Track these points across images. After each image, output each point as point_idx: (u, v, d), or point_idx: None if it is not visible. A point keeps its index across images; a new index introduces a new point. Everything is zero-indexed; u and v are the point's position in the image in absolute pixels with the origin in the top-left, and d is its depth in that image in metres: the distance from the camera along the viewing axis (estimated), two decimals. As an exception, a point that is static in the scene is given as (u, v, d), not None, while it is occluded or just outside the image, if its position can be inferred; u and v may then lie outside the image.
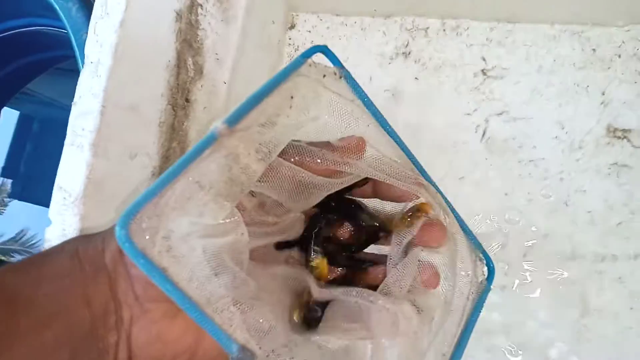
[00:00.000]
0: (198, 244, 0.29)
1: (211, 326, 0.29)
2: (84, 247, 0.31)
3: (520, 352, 1.00)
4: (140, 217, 0.28)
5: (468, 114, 1.08)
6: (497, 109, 1.06)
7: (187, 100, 0.87)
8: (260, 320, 0.31)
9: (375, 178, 0.39)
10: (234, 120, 0.31)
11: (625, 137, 0.99)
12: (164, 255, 0.29)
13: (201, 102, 0.90)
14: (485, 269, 0.45)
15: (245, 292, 0.31)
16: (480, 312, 0.44)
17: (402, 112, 1.12)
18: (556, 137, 1.02)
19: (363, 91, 0.39)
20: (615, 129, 1.00)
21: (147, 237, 0.28)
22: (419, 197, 0.42)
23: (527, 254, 1.02)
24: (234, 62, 0.97)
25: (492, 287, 0.45)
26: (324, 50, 0.36)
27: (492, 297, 1.03)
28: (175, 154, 0.85)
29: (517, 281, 1.02)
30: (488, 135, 1.06)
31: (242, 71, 1.00)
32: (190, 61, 0.86)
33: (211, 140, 0.30)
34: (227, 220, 0.31)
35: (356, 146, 0.38)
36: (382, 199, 0.44)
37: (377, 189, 0.43)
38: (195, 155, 0.29)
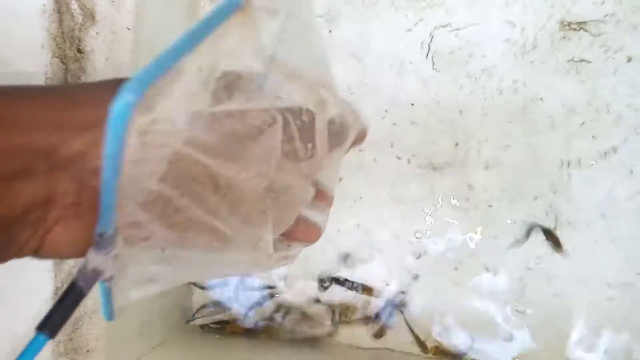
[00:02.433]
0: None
1: None
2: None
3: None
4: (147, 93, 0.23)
5: (409, 30, 0.98)
6: (440, 19, 0.95)
7: (79, 50, 0.77)
8: None
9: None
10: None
11: (581, 28, 0.88)
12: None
13: (100, 53, 0.80)
14: None
15: None
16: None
17: (339, 38, 1.01)
18: (507, 39, 0.92)
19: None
20: (570, 22, 0.89)
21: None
22: None
23: (489, 168, 0.94)
24: (137, 5, 0.86)
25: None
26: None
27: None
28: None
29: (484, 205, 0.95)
30: (433, 49, 0.96)
31: (149, 15, 0.90)
32: (74, 5, 0.76)
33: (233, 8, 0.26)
34: None
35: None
36: None
37: None
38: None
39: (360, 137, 0.39)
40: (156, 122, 0.24)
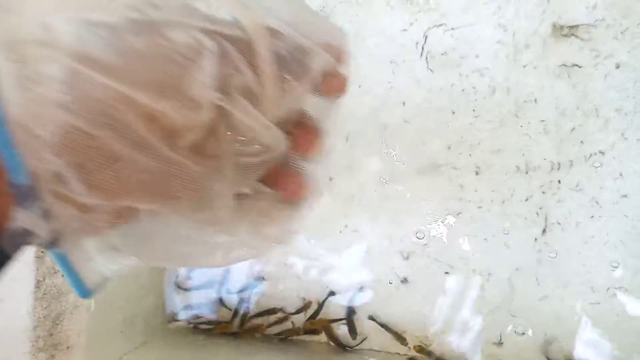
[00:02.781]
0: None
1: None
2: None
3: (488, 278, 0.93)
4: None
5: (404, 30, 0.98)
6: (434, 20, 0.96)
7: None
8: None
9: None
10: None
11: (572, 33, 0.90)
12: None
13: None
14: None
15: None
16: None
17: (333, 37, 1.01)
18: (499, 41, 0.93)
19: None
20: (562, 27, 0.91)
21: None
22: None
23: (480, 172, 0.94)
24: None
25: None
26: None
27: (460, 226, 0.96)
28: None
29: (472, 206, 0.95)
30: (427, 50, 0.97)
31: None
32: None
33: None
34: None
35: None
36: None
37: None
38: None
39: (336, 66, 0.30)
40: (28, 29, 0.20)
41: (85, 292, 0.28)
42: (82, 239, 0.26)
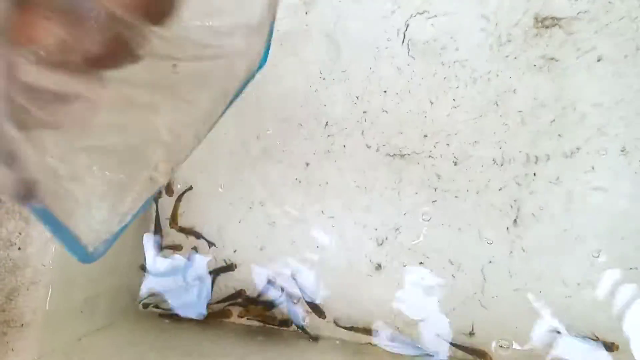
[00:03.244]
0: None
1: None
2: None
3: (458, 268, 0.92)
4: None
5: (386, 17, 0.96)
6: (417, 7, 0.95)
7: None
8: None
9: None
10: None
11: (556, 24, 0.89)
12: None
13: None
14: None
15: None
16: (242, 91, 0.33)
17: (316, 21, 0.99)
18: (482, 29, 0.92)
19: None
20: (544, 18, 0.90)
21: None
22: None
23: (458, 163, 0.93)
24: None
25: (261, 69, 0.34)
26: None
27: (426, 208, 0.95)
28: None
29: (449, 194, 0.94)
30: (409, 37, 0.95)
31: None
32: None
33: None
34: None
35: None
36: None
37: None
38: None
39: None
40: None
41: (81, 252, 0.24)
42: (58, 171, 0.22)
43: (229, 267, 1.01)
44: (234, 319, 1.00)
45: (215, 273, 1.02)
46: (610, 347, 0.84)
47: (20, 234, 0.72)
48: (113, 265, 0.95)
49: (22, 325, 0.74)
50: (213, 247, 1.03)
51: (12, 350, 0.73)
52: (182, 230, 1.04)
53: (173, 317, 1.01)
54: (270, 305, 0.99)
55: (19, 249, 0.72)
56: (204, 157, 1.04)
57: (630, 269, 0.85)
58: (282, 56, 1.01)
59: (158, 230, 1.05)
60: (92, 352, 0.83)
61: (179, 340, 0.92)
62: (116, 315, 0.96)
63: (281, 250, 1.00)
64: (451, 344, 0.90)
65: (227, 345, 0.93)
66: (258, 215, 1.02)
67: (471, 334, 0.90)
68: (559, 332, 0.87)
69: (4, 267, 0.71)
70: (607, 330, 0.86)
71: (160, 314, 1.02)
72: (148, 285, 1.05)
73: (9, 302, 0.72)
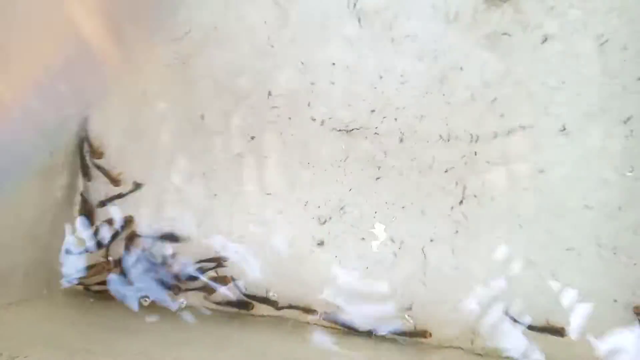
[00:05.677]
0: None
1: None
2: None
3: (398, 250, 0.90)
4: None
5: (337, -15, 0.93)
6: (368, -24, 0.92)
7: None
8: None
9: None
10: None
11: (506, 0, 0.88)
12: None
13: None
14: None
15: None
16: None
17: (263, -15, 0.94)
18: (432, 6, 0.90)
19: None
20: (494, -4, 0.89)
21: None
22: None
23: (404, 139, 0.91)
24: None
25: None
26: None
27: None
28: None
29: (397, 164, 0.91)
30: (359, 7, 0.92)
31: None
32: None
33: None
34: None
35: None
36: None
37: None
38: None
39: None
40: None
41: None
42: None
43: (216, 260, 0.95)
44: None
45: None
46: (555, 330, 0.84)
47: None
48: (33, 237, 0.87)
49: None
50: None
51: None
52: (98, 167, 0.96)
53: (98, 294, 0.95)
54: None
55: None
56: (142, 125, 0.98)
57: (567, 249, 0.86)
58: (228, 19, 0.96)
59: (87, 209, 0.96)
60: (3, 325, 0.76)
61: (99, 317, 0.86)
62: (34, 291, 0.88)
63: (218, 227, 0.96)
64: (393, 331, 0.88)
65: (160, 324, 0.88)
66: (197, 188, 0.97)
67: (409, 308, 0.89)
68: (505, 314, 0.86)
69: None
70: (548, 312, 0.86)
71: (86, 291, 0.95)
72: (70, 262, 0.97)
73: None
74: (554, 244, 0.86)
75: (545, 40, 0.87)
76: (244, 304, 0.93)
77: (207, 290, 0.94)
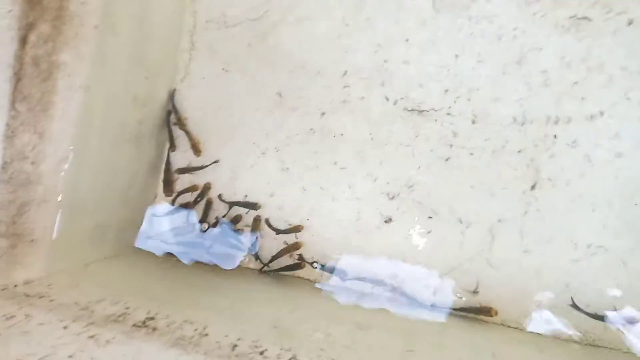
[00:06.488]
0: None
1: None
2: None
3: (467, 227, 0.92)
4: None
5: (415, -34, 0.94)
6: (448, -43, 0.92)
7: None
8: None
9: None
10: None
11: (588, -16, 0.87)
12: None
13: None
14: None
15: None
16: None
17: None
18: (512, -14, 0.89)
19: None
20: (578, -23, 0.87)
21: None
22: None
23: (477, 121, 0.92)
24: None
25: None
26: None
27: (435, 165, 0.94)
28: None
29: (464, 152, 0.92)
30: (437, -12, 0.93)
31: None
32: None
33: None
34: None
35: None
36: None
37: None
38: None
39: None
40: None
41: None
42: None
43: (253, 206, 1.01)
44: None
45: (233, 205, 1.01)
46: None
47: (33, 148, 0.72)
48: (125, 199, 0.95)
49: (32, 240, 0.74)
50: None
51: (20, 264, 0.73)
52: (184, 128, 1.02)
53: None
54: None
55: (32, 163, 0.72)
56: (218, 100, 1.04)
57: (643, 236, 0.84)
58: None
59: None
60: (98, 278, 0.84)
61: (180, 279, 0.92)
62: (124, 248, 0.96)
63: (292, 198, 1.00)
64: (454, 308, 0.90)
65: (232, 282, 0.93)
66: (270, 162, 1.02)
67: (475, 292, 0.90)
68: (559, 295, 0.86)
69: (16, 180, 0.71)
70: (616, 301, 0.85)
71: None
72: (158, 225, 1.05)
73: (20, 216, 0.73)
74: (627, 231, 0.85)
75: (630, 23, 0.85)
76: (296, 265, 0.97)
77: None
